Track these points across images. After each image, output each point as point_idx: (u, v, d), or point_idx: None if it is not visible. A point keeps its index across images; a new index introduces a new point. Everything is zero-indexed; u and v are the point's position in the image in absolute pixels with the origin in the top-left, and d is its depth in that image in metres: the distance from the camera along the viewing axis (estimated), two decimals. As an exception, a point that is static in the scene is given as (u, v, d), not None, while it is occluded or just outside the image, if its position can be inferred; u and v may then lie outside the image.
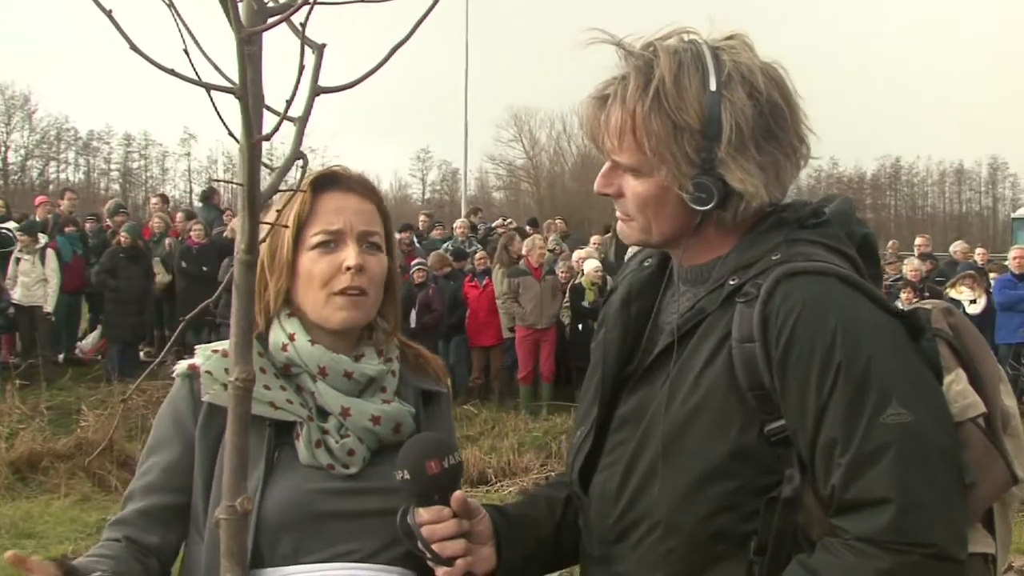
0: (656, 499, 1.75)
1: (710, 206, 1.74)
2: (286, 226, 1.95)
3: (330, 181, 2.03)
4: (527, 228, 18.67)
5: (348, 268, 1.98)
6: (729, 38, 1.79)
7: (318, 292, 2.00)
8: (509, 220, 20.35)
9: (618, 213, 1.89)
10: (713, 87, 1.72)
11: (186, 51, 1.28)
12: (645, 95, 1.73)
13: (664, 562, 1.75)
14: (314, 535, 1.91)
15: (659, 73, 1.73)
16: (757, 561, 1.68)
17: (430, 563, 1.86)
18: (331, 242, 2.00)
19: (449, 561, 1.84)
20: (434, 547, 1.84)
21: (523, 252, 14.61)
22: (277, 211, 1.82)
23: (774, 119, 1.75)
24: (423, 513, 1.84)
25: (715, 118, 1.71)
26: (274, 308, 2.02)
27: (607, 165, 1.85)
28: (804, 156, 1.81)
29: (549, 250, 16.23)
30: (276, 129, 1.33)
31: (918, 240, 16.99)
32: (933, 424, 1.62)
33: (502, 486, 10.81)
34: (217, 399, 1.94)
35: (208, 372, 1.97)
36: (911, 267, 14.67)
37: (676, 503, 1.72)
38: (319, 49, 1.35)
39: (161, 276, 15.32)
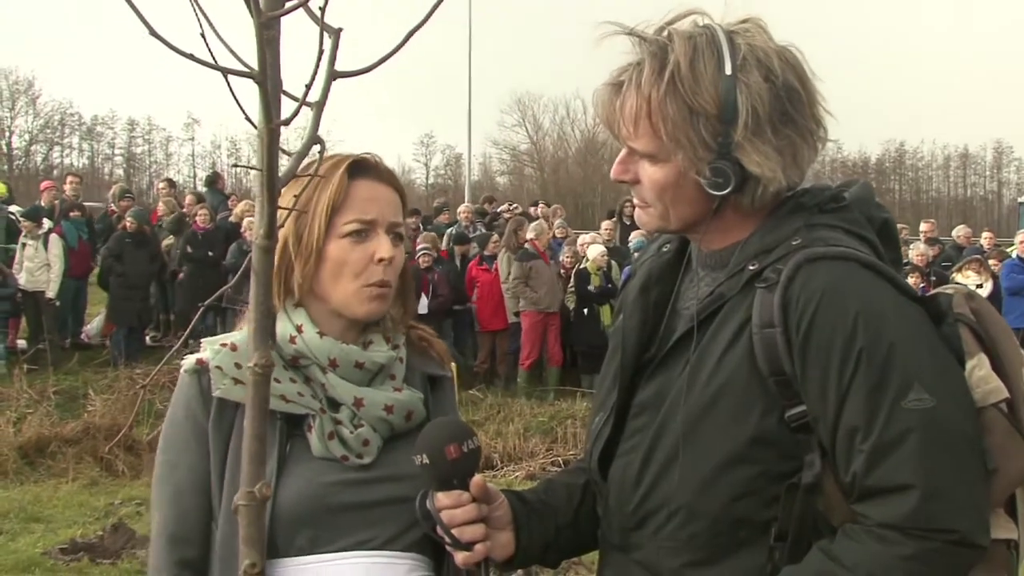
0: (676, 485, 1.74)
1: (727, 191, 1.73)
2: (304, 211, 1.93)
3: (363, 169, 2.00)
4: (533, 210, 18.63)
5: (381, 260, 1.96)
6: (743, 21, 1.78)
7: (350, 282, 1.97)
8: (515, 205, 20.32)
9: (635, 200, 1.88)
10: (729, 71, 1.70)
11: (203, 36, 1.28)
12: (660, 80, 1.72)
13: (685, 548, 1.74)
14: (329, 526, 1.91)
15: (674, 58, 1.72)
16: (778, 547, 1.68)
17: (449, 548, 1.86)
18: (364, 231, 1.97)
19: (468, 546, 1.84)
20: (453, 531, 1.84)
21: (529, 236, 14.61)
22: (295, 196, 1.80)
23: (791, 102, 1.73)
24: (442, 498, 1.84)
25: (731, 102, 1.70)
26: (299, 294, 1.99)
27: (623, 152, 1.83)
28: (822, 139, 1.80)
29: (555, 235, 16.26)
30: (295, 114, 1.33)
31: (924, 225, 16.97)
32: (955, 409, 1.61)
33: (508, 471, 10.84)
34: (228, 394, 1.92)
35: (218, 367, 1.95)
36: (917, 252, 14.67)
37: (696, 489, 1.72)
38: (336, 34, 1.35)
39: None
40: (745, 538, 1.70)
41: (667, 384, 1.81)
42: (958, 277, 13.68)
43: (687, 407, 1.74)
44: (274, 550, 1.86)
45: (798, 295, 1.65)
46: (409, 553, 1.94)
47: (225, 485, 1.91)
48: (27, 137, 55.32)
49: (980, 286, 13.65)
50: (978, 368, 1.69)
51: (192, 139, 59.94)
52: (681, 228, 1.86)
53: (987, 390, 1.68)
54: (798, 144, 1.76)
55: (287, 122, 1.34)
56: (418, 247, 14.29)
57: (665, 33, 1.76)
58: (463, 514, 1.84)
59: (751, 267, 1.74)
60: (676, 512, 1.74)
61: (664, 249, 1.99)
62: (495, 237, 15.30)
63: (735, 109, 1.70)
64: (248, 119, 1.36)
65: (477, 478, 1.86)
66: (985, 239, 17.02)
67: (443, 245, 15.76)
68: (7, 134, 54.23)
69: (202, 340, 2.04)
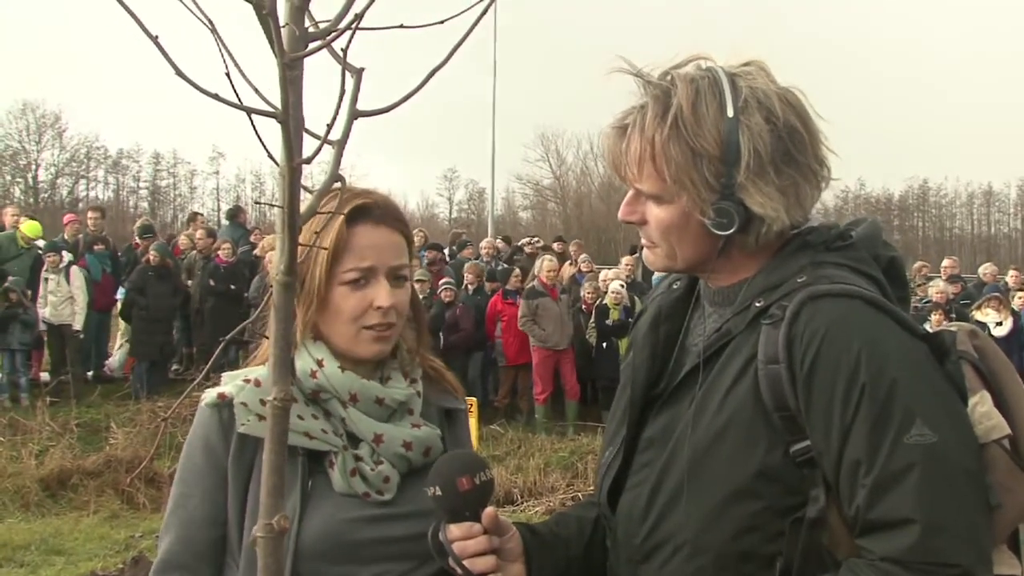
0: (682, 520, 1.76)
1: (732, 231, 1.76)
2: (326, 248, 1.95)
3: (362, 213, 2.01)
4: (557, 246, 18.63)
5: (379, 308, 1.99)
6: (746, 64, 1.81)
7: (347, 326, 2.01)
8: (536, 238, 20.31)
9: (643, 240, 1.91)
10: (731, 113, 1.74)
11: (228, 75, 1.30)
12: (663, 123, 1.75)
13: None
14: (352, 561, 1.93)
15: (676, 101, 1.75)
16: None
17: None
18: (362, 279, 2.00)
19: None
20: (465, 563, 1.85)
21: (535, 273, 14.65)
22: (316, 232, 1.83)
23: (792, 143, 1.76)
24: (454, 529, 1.86)
25: (733, 143, 1.73)
26: (300, 337, 2.01)
27: (630, 193, 1.87)
28: (825, 178, 1.83)
29: (581, 270, 16.29)
30: (317, 152, 1.35)
31: (946, 262, 16.93)
32: (958, 445, 1.63)
33: (528, 506, 10.80)
34: (252, 430, 1.94)
35: (243, 404, 1.96)
36: (937, 289, 14.58)
37: (702, 523, 1.73)
38: (358, 73, 1.37)
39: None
40: (750, 572, 1.71)
41: (674, 419, 1.83)
42: (977, 314, 13.62)
43: (693, 442, 1.76)
44: None
45: (802, 331, 1.67)
46: None
47: (247, 520, 1.92)
48: (53, 170, 55.89)
49: (1000, 323, 13.58)
50: (980, 404, 1.70)
51: (217, 173, 60.34)
52: (688, 268, 1.89)
53: (989, 426, 1.69)
54: (801, 184, 1.78)
55: (308, 160, 1.36)
56: (440, 283, 14.34)
57: (668, 77, 1.79)
58: (475, 545, 1.85)
59: (757, 304, 1.77)
60: (682, 546, 1.76)
61: (675, 286, 2.02)
62: (516, 272, 15.31)
63: (737, 150, 1.73)
64: (271, 157, 1.38)
65: (489, 510, 1.87)
66: (1011, 276, 16.91)
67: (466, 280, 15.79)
68: (34, 167, 54.84)
69: (223, 375, 2.06)
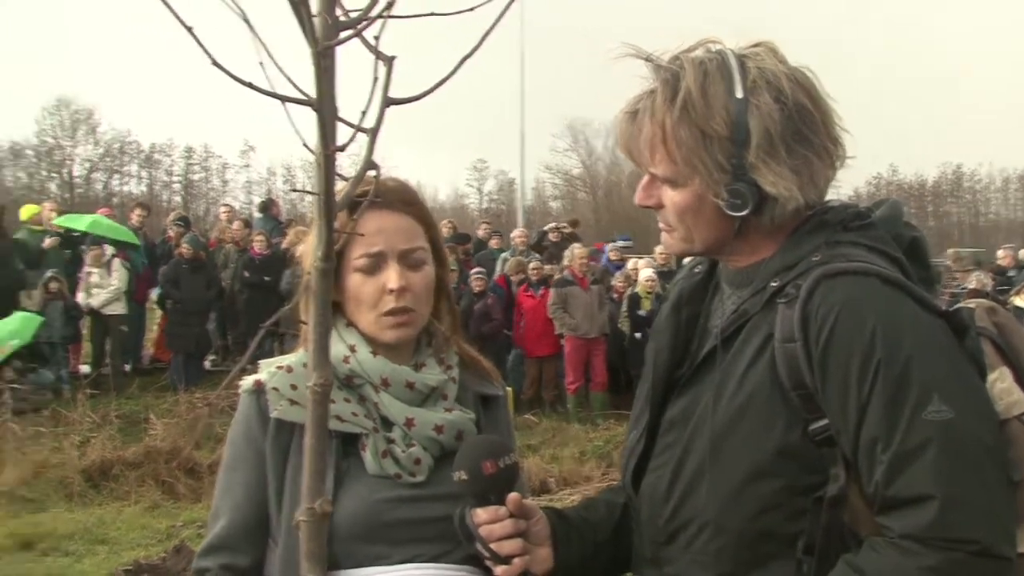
0: (704, 500, 1.77)
1: (746, 211, 1.77)
2: (362, 234, 1.98)
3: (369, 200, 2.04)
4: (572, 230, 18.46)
5: (391, 291, 2.01)
6: (755, 45, 1.82)
7: (368, 313, 2.04)
8: (564, 224, 20.10)
9: (660, 224, 1.92)
10: (739, 94, 1.75)
11: (262, 64, 1.33)
12: (673, 106, 1.76)
13: (714, 562, 1.76)
14: (384, 542, 1.95)
15: (685, 84, 1.76)
16: (806, 560, 1.69)
17: (488, 563, 1.90)
18: (373, 264, 2.04)
19: (507, 560, 1.88)
20: (492, 546, 1.87)
21: (565, 263, 14.62)
22: (354, 219, 1.85)
23: (803, 122, 1.77)
24: (480, 513, 1.88)
25: (743, 124, 1.74)
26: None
27: (645, 178, 1.88)
28: (839, 157, 1.83)
29: (611, 258, 16.23)
30: (351, 140, 1.38)
31: (1000, 252, 16.92)
32: (976, 421, 1.62)
33: (564, 495, 10.80)
34: (285, 415, 1.98)
35: (275, 389, 2.01)
36: (977, 280, 14.44)
37: (724, 503, 1.74)
38: (389, 62, 1.39)
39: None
40: (773, 552, 1.72)
41: (695, 401, 1.84)
42: (1016, 300, 13.44)
43: (713, 423, 1.77)
44: (332, 565, 1.89)
45: (817, 309, 1.68)
46: (462, 566, 1.98)
47: (284, 504, 1.97)
48: (88, 165, 56.37)
49: (1040, 308, 13.39)
50: (1000, 381, 1.70)
51: (248, 166, 60.65)
52: (706, 250, 1.90)
53: (1010, 402, 1.68)
54: (814, 162, 1.78)
55: (343, 148, 1.39)
56: (472, 272, 14.35)
57: (677, 60, 1.80)
58: (500, 529, 1.88)
59: (773, 284, 1.77)
60: (704, 526, 1.77)
61: (696, 269, 2.03)
62: (535, 264, 15.24)
63: (747, 131, 1.74)
64: (306, 145, 1.41)
65: (514, 494, 1.89)
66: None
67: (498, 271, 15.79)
68: (69, 163, 55.32)
69: (260, 362, 2.11)
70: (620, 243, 18.98)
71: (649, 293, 14.20)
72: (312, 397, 1.55)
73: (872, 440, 1.63)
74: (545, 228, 19.35)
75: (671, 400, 1.92)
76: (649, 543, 1.89)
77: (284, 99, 1.34)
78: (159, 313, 15.94)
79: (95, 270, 14.59)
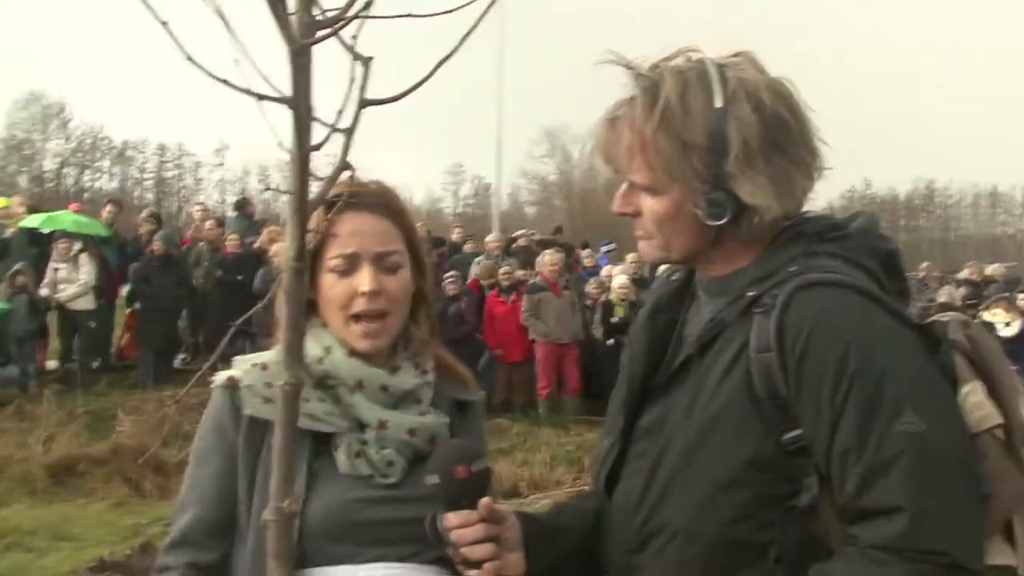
0: (676, 508, 1.77)
1: (724, 220, 1.77)
2: (335, 234, 1.97)
3: (348, 200, 2.01)
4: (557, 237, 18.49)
5: (363, 293, 2.01)
6: (735, 55, 1.83)
7: (338, 314, 2.03)
8: (533, 232, 20.08)
9: (638, 232, 1.92)
10: (719, 104, 1.75)
11: (237, 62, 1.32)
12: (652, 115, 1.77)
13: (684, 570, 1.77)
14: (355, 541, 1.95)
15: (664, 93, 1.77)
16: (777, 570, 1.70)
17: (459, 567, 1.89)
18: (347, 266, 2.02)
19: (477, 564, 1.87)
20: (462, 550, 1.86)
21: (537, 268, 14.61)
22: (326, 219, 1.85)
23: (781, 132, 1.78)
24: (451, 517, 1.87)
25: (721, 134, 1.74)
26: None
27: (624, 186, 1.88)
28: (817, 168, 1.84)
29: (585, 266, 16.24)
30: (326, 139, 1.37)
31: (966, 271, 17.11)
32: (947, 434, 1.63)
33: (535, 499, 10.79)
34: (258, 412, 1.98)
35: (249, 386, 2.00)
36: (947, 295, 14.65)
37: (695, 512, 1.75)
38: (366, 62, 1.39)
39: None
40: (744, 561, 1.72)
41: (670, 409, 1.85)
42: (985, 315, 13.57)
43: (687, 431, 1.78)
44: (300, 562, 1.90)
45: (793, 320, 1.68)
46: (432, 567, 1.98)
47: (255, 502, 1.96)
48: (58, 160, 55.92)
49: (1008, 324, 13.55)
50: (972, 394, 1.71)
51: (222, 165, 60.33)
52: (683, 258, 1.91)
53: (981, 416, 1.69)
54: (792, 173, 1.79)
55: (318, 147, 1.38)
56: (445, 276, 14.33)
57: (657, 69, 1.81)
58: (472, 533, 1.86)
59: (750, 293, 1.78)
60: (676, 534, 1.77)
61: (673, 277, 2.04)
62: (505, 268, 15.17)
63: (726, 141, 1.74)
64: (280, 144, 1.40)
65: (485, 499, 1.88)
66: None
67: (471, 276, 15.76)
68: (39, 157, 54.86)
69: (234, 359, 2.10)
70: (604, 248, 19.08)
71: (623, 300, 14.24)
72: (282, 396, 1.54)
73: (845, 451, 1.63)
74: (516, 234, 19.31)
75: (646, 407, 1.92)
76: (620, 550, 1.89)
77: (260, 97, 1.33)
78: (128, 311, 15.81)
79: (62, 265, 14.47)
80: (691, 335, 1.89)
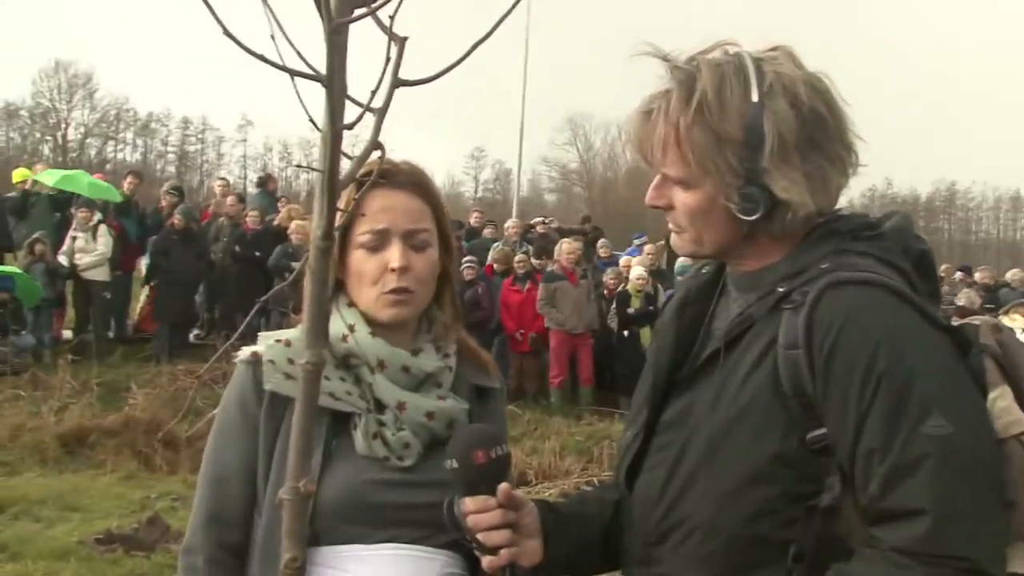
0: (697, 502, 1.76)
1: (757, 216, 1.76)
2: (363, 214, 1.97)
3: (379, 177, 1.98)
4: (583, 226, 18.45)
5: (393, 269, 2.01)
6: (773, 49, 1.81)
7: (369, 290, 2.03)
8: (551, 219, 20.05)
9: (670, 225, 1.91)
10: (755, 98, 1.74)
11: (273, 38, 1.32)
12: (688, 108, 1.75)
13: (703, 565, 1.76)
14: (368, 523, 1.95)
15: (701, 86, 1.75)
16: (796, 568, 1.68)
17: (476, 552, 1.89)
18: (377, 242, 2.02)
19: (494, 550, 1.86)
20: (479, 536, 1.86)
21: (555, 256, 14.59)
22: (354, 198, 1.84)
23: (818, 128, 1.76)
24: (469, 502, 1.87)
25: (757, 128, 1.73)
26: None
27: (657, 178, 1.87)
28: (852, 165, 1.82)
29: (600, 256, 16.21)
30: (359, 119, 1.36)
31: (978, 274, 17.00)
32: (974, 438, 1.61)
33: (543, 488, 10.81)
34: (279, 388, 1.98)
35: (271, 361, 2.00)
36: (966, 299, 14.58)
37: (716, 506, 1.73)
38: (401, 43, 1.38)
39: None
40: (763, 557, 1.71)
41: (694, 402, 1.84)
42: (1004, 319, 13.51)
43: (711, 425, 1.77)
44: (314, 541, 1.90)
45: (823, 317, 1.67)
46: (444, 550, 1.98)
47: (271, 477, 1.96)
48: (82, 130, 56.16)
49: (1026, 330, 13.48)
50: (1000, 399, 1.70)
51: (244, 140, 60.54)
52: (714, 253, 1.90)
53: (1008, 421, 1.68)
54: (827, 170, 1.78)
55: (351, 126, 1.37)
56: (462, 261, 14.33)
57: (694, 62, 1.79)
58: (489, 519, 1.86)
59: (780, 289, 1.77)
60: (696, 528, 1.76)
61: (704, 269, 2.03)
62: (520, 257, 15.19)
63: (761, 135, 1.73)
64: (312, 121, 1.39)
65: (504, 485, 1.88)
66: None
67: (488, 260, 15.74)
68: (63, 126, 55.09)
69: (259, 334, 2.10)
70: (637, 240, 19.05)
71: (639, 291, 14.20)
72: (303, 375, 1.54)
73: (869, 451, 1.62)
74: (533, 221, 19.27)
75: (670, 400, 1.91)
76: (640, 542, 1.89)
77: (295, 73, 1.32)
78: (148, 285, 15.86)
79: (81, 234, 14.52)
80: (719, 329, 1.88)
